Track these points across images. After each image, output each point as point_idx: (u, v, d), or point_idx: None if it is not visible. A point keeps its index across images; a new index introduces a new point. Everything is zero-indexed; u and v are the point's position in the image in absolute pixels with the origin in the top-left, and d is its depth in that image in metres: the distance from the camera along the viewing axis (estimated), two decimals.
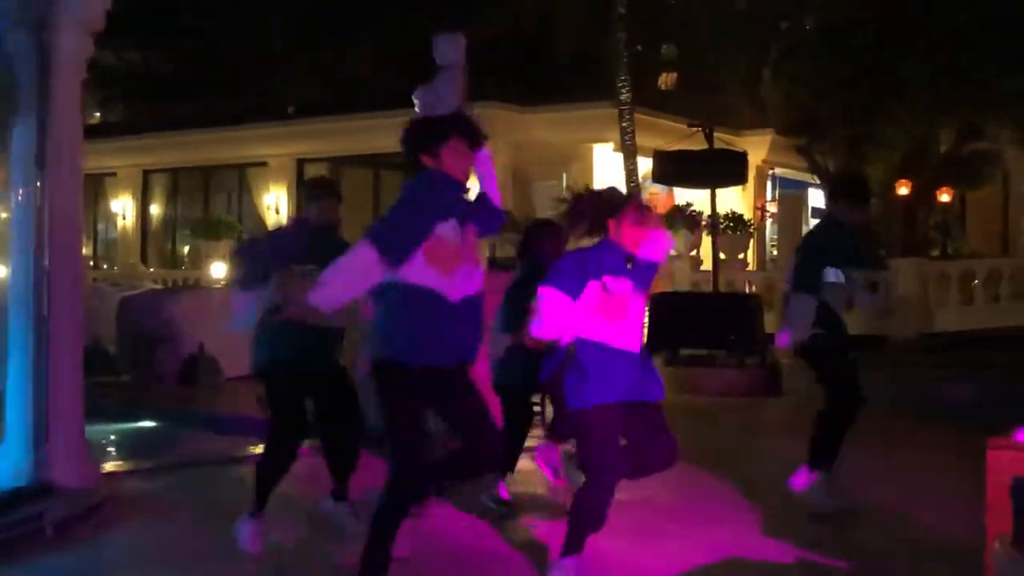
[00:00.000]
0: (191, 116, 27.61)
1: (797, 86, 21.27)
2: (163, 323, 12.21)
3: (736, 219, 21.48)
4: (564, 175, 23.33)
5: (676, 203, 21.88)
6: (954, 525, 5.62)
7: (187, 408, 10.58)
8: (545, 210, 23.84)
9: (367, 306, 4.35)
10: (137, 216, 28.87)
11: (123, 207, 28.90)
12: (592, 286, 4.54)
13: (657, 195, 23.15)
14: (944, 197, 23.97)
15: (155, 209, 29.20)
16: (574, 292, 4.52)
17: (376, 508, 4.10)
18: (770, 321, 13.22)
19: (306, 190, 5.78)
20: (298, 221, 5.56)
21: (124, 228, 29.06)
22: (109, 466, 7.57)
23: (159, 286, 19.61)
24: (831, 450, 5.92)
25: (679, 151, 16.25)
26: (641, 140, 19.60)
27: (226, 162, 27.06)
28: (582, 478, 4.79)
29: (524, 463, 6.40)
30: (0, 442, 5.98)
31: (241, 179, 27.55)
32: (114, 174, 28.52)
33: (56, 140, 5.95)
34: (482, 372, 5.36)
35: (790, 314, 5.94)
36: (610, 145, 22.07)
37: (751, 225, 22.41)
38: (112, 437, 8.90)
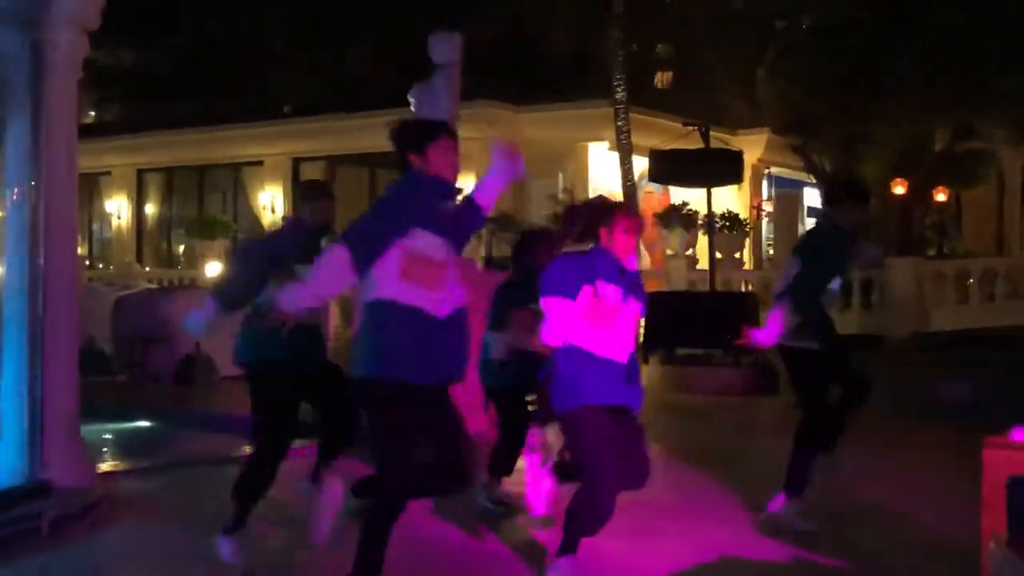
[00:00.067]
0: (186, 115, 27.58)
1: (793, 85, 21.29)
2: (158, 323, 12.19)
3: (732, 218, 21.48)
4: (560, 174, 23.33)
5: (672, 202, 21.89)
6: (950, 524, 5.62)
7: (183, 408, 10.58)
8: (541, 209, 23.93)
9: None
10: (132, 215, 28.83)
11: (118, 206, 28.87)
12: (585, 290, 4.53)
13: (653, 194, 23.19)
14: (940, 196, 24.01)
15: (150, 208, 29.16)
16: (572, 294, 4.52)
17: (367, 514, 4.08)
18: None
19: (300, 192, 5.78)
20: (294, 223, 5.52)
21: (119, 227, 29.02)
22: (105, 466, 7.57)
23: (154, 286, 19.58)
24: (802, 478, 5.87)
25: (675, 150, 16.25)
26: (637, 139, 19.59)
27: (221, 161, 27.04)
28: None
29: (522, 463, 6.39)
30: None
31: (236, 178, 27.52)
32: (109, 173, 28.48)
33: (51, 139, 5.93)
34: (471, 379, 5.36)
35: (785, 318, 5.86)
36: (606, 144, 22.06)
37: (747, 224, 22.41)
38: (108, 437, 8.90)
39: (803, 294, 5.75)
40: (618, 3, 20.06)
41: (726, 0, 23.66)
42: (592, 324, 4.53)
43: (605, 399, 4.56)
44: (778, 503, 5.85)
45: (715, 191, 16.00)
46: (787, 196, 27.44)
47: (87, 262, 27.95)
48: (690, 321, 13.11)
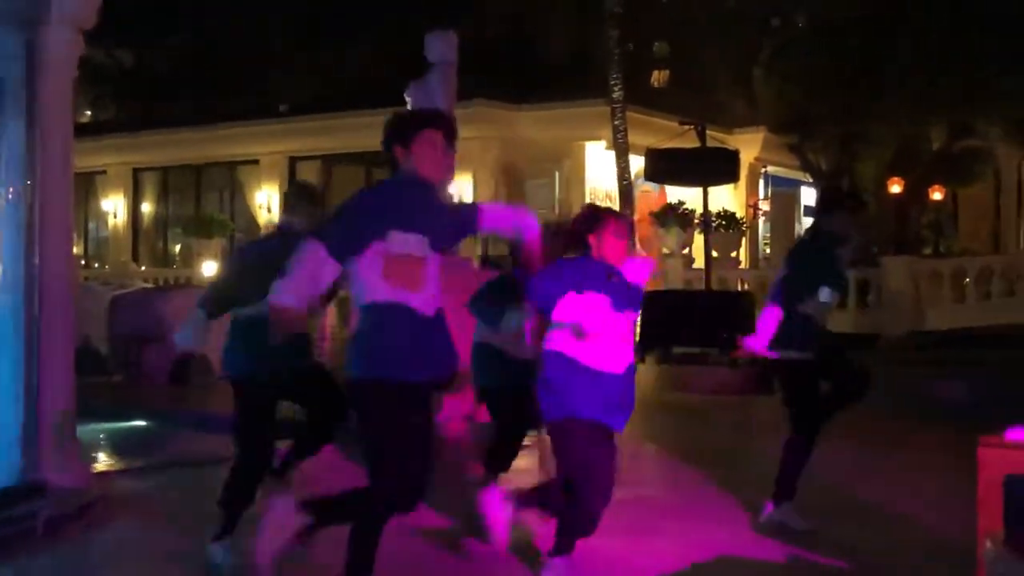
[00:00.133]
0: (182, 114, 27.59)
1: (789, 84, 21.31)
2: (154, 322, 12.17)
3: (728, 217, 21.51)
4: (556, 173, 23.34)
5: (668, 201, 21.91)
6: (947, 523, 5.62)
7: (178, 408, 10.57)
8: (538, 208, 23.91)
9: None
10: (128, 214, 28.81)
11: (114, 205, 28.84)
12: (570, 297, 4.52)
13: (649, 193, 23.20)
14: (936, 195, 24.04)
15: (146, 207, 29.14)
16: (551, 307, 4.51)
17: (360, 515, 4.06)
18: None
19: (288, 197, 5.64)
20: (281, 229, 5.37)
21: (115, 226, 29.00)
22: (100, 465, 7.57)
23: (150, 285, 19.56)
24: (792, 481, 5.88)
25: (671, 149, 16.28)
26: (633, 138, 19.61)
27: (218, 160, 27.03)
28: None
29: (519, 462, 6.39)
30: None
31: (233, 177, 27.52)
32: (105, 172, 28.45)
33: (46, 139, 5.92)
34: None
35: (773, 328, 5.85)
36: (602, 143, 22.08)
37: (743, 223, 22.44)
38: (103, 436, 8.89)
39: (786, 299, 5.77)
40: (614, 2, 20.07)
41: None
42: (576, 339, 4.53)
43: (591, 414, 4.52)
44: (770, 509, 5.86)
45: (711, 190, 16.03)
46: (783, 195, 27.46)
47: (83, 261, 27.93)
48: (686, 320, 13.13)
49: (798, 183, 26.74)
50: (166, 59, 30.50)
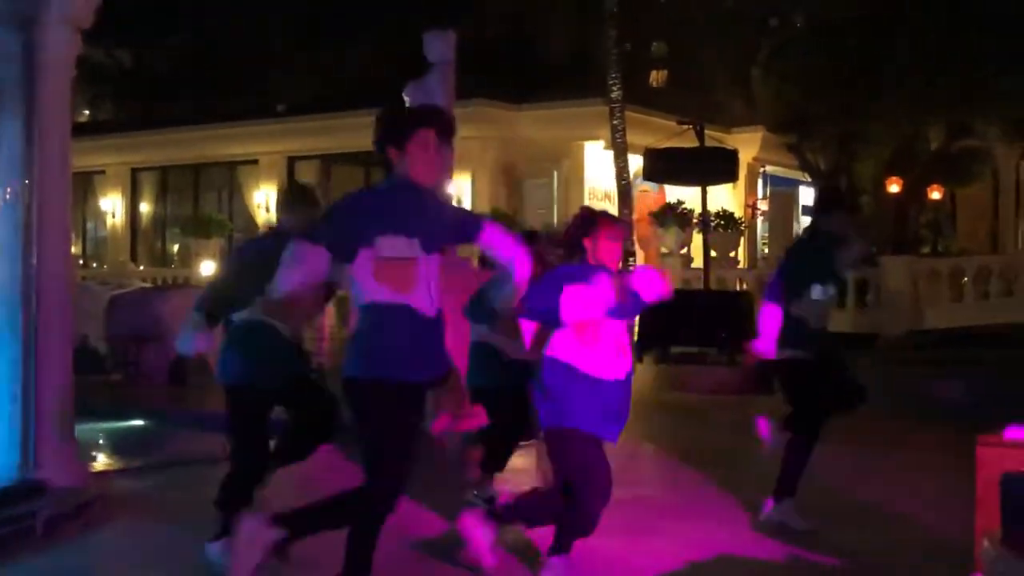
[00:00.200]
0: (181, 114, 27.58)
1: (787, 84, 21.31)
2: (152, 322, 12.17)
3: (727, 217, 21.51)
4: (555, 173, 23.35)
5: (667, 201, 21.91)
6: (946, 523, 5.62)
7: (176, 407, 10.57)
8: (537, 208, 23.90)
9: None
10: (126, 214, 28.79)
11: (112, 205, 28.82)
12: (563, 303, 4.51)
13: (648, 193, 23.20)
14: (935, 195, 24.04)
15: (145, 207, 29.12)
16: (551, 314, 4.52)
17: (358, 515, 4.05)
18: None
19: (282, 198, 5.55)
20: (275, 231, 5.28)
21: (113, 226, 28.98)
22: (98, 465, 7.57)
23: (148, 285, 19.54)
24: (793, 479, 5.88)
25: (670, 148, 16.29)
26: (632, 138, 19.61)
27: (216, 160, 27.01)
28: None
29: (515, 461, 6.40)
30: None
31: (231, 177, 27.50)
32: (103, 172, 28.43)
33: (44, 138, 5.91)
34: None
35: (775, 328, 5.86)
36: (601, 143, 22.08)
37: (742, 223, 22.45)
38: (101, 436, 8.88)
39: (785, 295, 5.79)
40: (613, 2, 20.06)
41: None
42: (578, 340, 4.52)
43: (587, 426, 4.53)
44: (771, 505, 5.86)
45: (710, 189, 16.04)
46: (782, 194, 27.47)
47: (81, 261, 27.90)
48: (685, 320, 13.13)
49: (796, 183, 26.75)
50: (165, 59, 30.49)
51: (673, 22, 24.34)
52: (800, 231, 23.68)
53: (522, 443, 6.32)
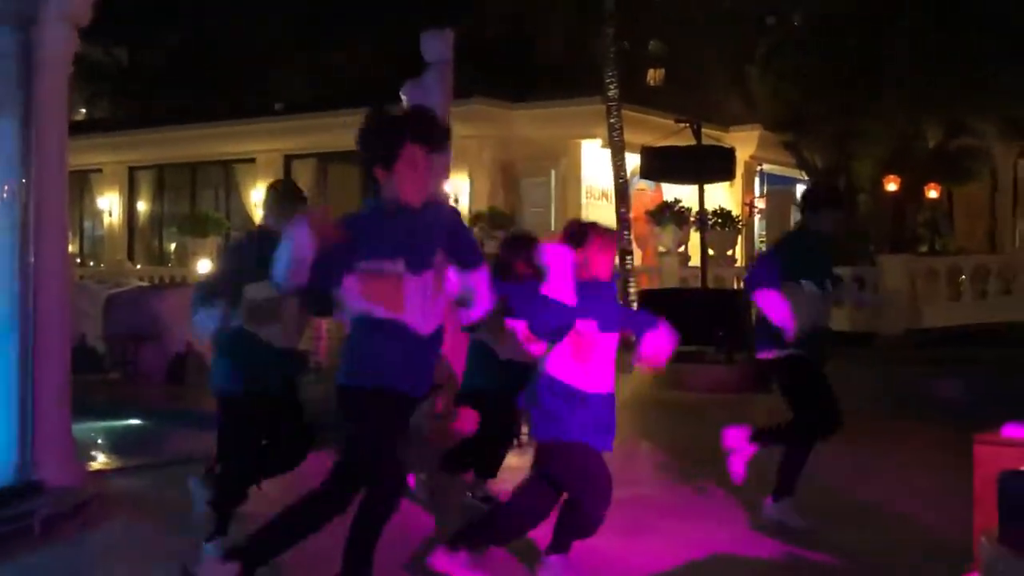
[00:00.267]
0: (178, 112, 27.53)
1: (785, 82, 21.31)
2: (150, 321, 12.17)
3: (724, 215, 21.50)
4: (552, 171, 23.34)
5: (664, 199, 21.90)
6: (944, 521, 5.63)
7: (174, 406, 10.56)
8: (533, 207, 23.85)
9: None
10: (123, 213, 28.76)
11: (109, 204, 28.78)
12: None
13: (645, 191, 23.21)
14: (932, 193, 24.05)
15: (142, 206, 29.08)
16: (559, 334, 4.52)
17: (361, 517, 4.05)
18: (756, 311, 13.27)
19: (266, 197, 5.42)
20: (259, 231, 5.21)
21: (110, 225, 28.95)
22: (96, 464, 7.56)
23: (146, 283, 19.54)
24: (792, 478, 5.88)
25: (667, 147, 16.26)
26: (629, 136, 19.59)
27: (213, 158, 26.98)
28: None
29: (512, 460, 6.40)
30: None
31: (228, 175, 27.47)
32: (100, 170, 28.40)
33: (41, 136, 5.91)
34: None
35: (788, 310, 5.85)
36: (598, 141, 22.06)
37: (739, 221, 22.44)
38: (99, 435, 8.87)
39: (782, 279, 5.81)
40: (610, 1, 20.05)
41: None
42: (573, 358, 4.53)
43: (586, 438, 4.56)
44: (770, 505, 5.87)
45: (707, 188, 16.01)
46: (779, 193, 27.46)
47: (78, 260, 27.88)
48: (682, 318, 13.06)
49: (794, 181, 26.73)
50: (162, 57, 30.45)
51: (670, 21, 24.33)
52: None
53: (518, 443, 6.33)
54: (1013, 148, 23.80)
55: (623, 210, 19.25)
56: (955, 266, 19.57)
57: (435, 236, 4.11)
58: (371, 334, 3.99)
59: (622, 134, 19.63)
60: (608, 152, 20.33)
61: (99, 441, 8.69)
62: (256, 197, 26.11)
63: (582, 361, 4.52)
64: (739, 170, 19.41)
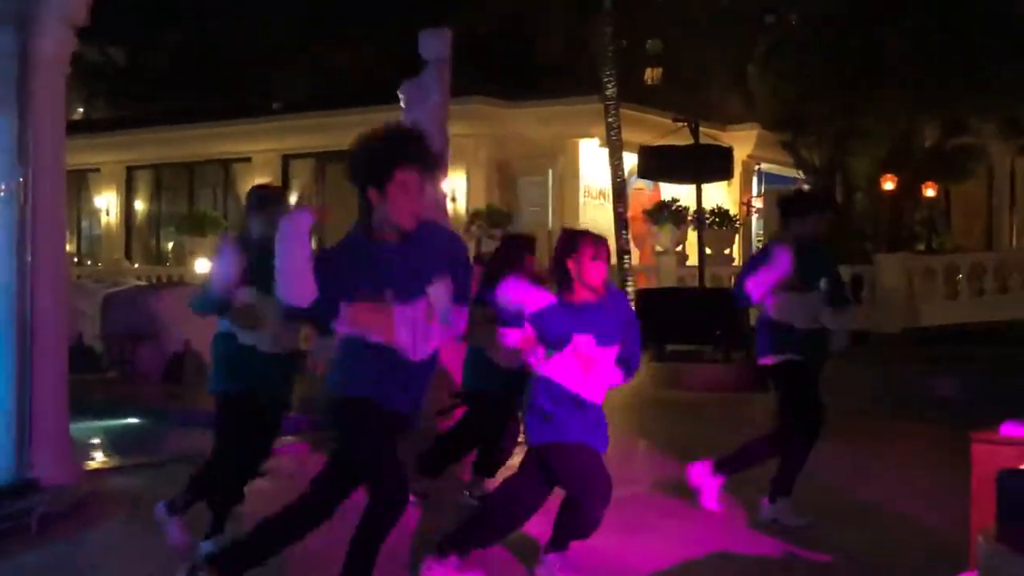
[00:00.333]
0: (175, 112, 27.52)
1: (783, 81, 21.31)
2: (147, 320, 12.17)
3: (722, 214, 21.51)
4: (550, 170, 23.34)
5: (662, 198, 21.91)
6: (942, 520, 5.63)
7: (171, 405, 10.55)
8: (531, 205, 23.84)
9: None
10: (121, 212, 28.75)
11: (107, 203, 28.78)
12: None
13: (643, 190, 23.21)
14: (929, 192, 24.06)
15: (139, 205, 29.08)
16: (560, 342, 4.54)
17: (364, 524, 4.05)
18: (756, 316, 13.28)
19: (247, 201, 5.25)
20: (240, 238, 5.12)
21: (108, 224, 28.93)
22: (93, 463, 7.55)
23: (143, 283, 19.53)
24: (790, 478, 5.90)
25: (664, 146, 16.28)
26: (627, 135, 19.60)
27: (211, 158, 26.97)
28: None
29: (512, 460, 6.39)
30: None
31: (226, 175, 27.46)
32: (98, 170, 28.39)
33: (39, 137, 5.90)
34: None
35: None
36: (595, 140, 22.07)
37: (737, 220, 22.45)
38: (96, 434, 8.86)
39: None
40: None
41: None
42: (575, 366, 4.55)
43: (585, 440, 4.58)
44: (768, 504, 5.88)
45: (705, 187, 16.02)
46: (777, 192, 27.47)
47: (76, 259, 27.87)
48: (680, 317, 13.14)
49: (792, 180, 26.74)
50: (159, 57, 30.44)
51: (668, 19, 24.34)
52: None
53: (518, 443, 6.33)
54: (1010, 146, 23.82)
55: (621, 209, 19.26)
56: (952, 264, 19.59)
57: (433, 261, 4.05)
58: (362, 351, 4.00)
59: (620, 133, 19.64)
60: (606, 151, 20.35)
61: (96, 440, 8.69)
62: None
63: (582, 372, 4.54)
64: (737, 169, 19.43)
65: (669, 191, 21.91)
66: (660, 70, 27.48)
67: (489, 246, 17.70)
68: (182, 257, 25.53)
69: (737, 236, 22.96)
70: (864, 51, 20.30)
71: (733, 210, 23.05)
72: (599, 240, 4.67)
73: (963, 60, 19.59)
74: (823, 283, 5.92)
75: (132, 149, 27.66)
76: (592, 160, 22.83)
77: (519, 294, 4.53)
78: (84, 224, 29.88)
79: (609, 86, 19.75)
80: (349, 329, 3.99)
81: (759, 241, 26.84)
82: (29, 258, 5.85)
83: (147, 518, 5.54)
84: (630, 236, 19.52)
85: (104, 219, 28.96)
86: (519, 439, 6.37)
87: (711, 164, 15.78)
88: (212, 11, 27.58)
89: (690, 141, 15.71)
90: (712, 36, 23.21)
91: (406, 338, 3.97)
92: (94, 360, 12.43)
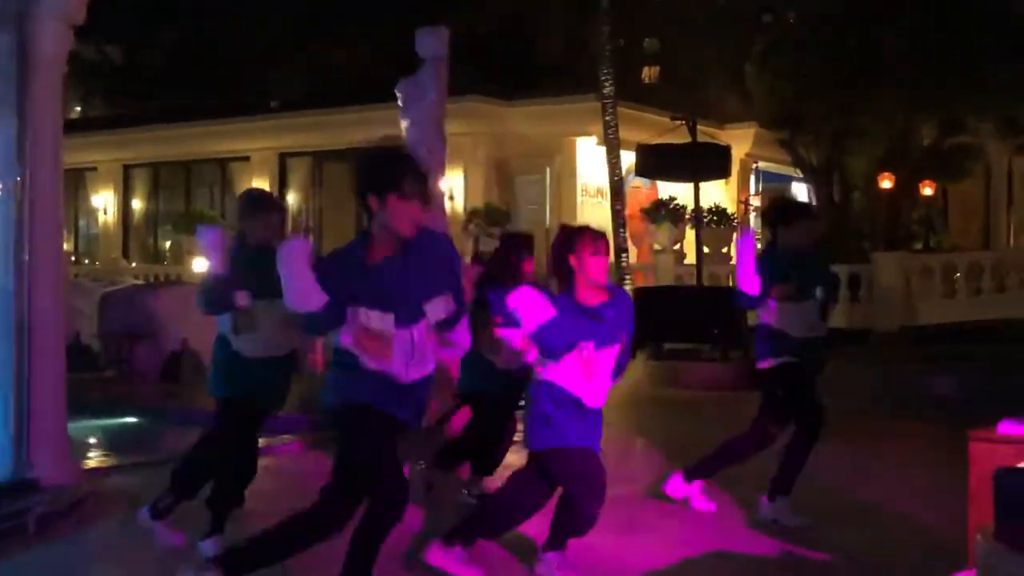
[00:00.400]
0: (172, 110, 27.51)
1: (781, 80, 21.31)
2: (145, 319, 12.17)
3: (720, 213, 21.52)
4: (547, 169, 23.33)
5: (659, 197, 21.92)
6: (940, 518, 5.63)
7: (169, 404, 10.56)
8: (527, 205, 23.82)
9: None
10: (118, 211, 28.73)
11: (104, 202, 28.76)
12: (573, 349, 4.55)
13: (640, 189, 23.22)
14: (927, 191, 24.08)
15: (136, 204, 29.06)
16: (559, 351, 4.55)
17: (364, 525, 4.06)
18: (754, 315, 13.28)
19: (241, 204, 5.25)
20: (235, 242, 5.05)
21: (105, 223, 28.91)
22: (91, 462, 7.55)
23: (140, 282, 19.53)
24: (789, 479, 5.91)
25: (662, 144, 16.28)
26: (624, 134, 19.61)
27: (208, 156, 26.96)
28: None
29: (511, 458, 6.40)
30: None
31: (223, 173, 27.45)
32: (95, 169, 28.37)
33: (36, 135, 5.90)
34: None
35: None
36: (593, 139, 22.08)
37: (735, 219, 22.45)
38: (94, 433, 8.86)
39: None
40: None
41: None
42: (578, 370, 4.56)
43: (583, 443, 4.60)
44: (767, 503, 5.88)
45: (703, 186, 16.02)
46: (775, 190, 27.48)
47: (73, 258, 27.84)
48: (678, 316, 13.14)
49: (789, 179, 26.76)
50: (156, 55, 30.42)
51: (666, 18, 24.34)
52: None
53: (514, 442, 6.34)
54: (1007, 145, 23.84)
55: (618, 208, 19.26)
56: (950, 263, 19.59)
57: (433, 271, 4.08)
58: (352, 367, 4.02)
59: (617, 131, 19.65)
60: (603, 149, 20.36)
61: (94, 439, 8.69)
62: None
63: (587, 375, 4.54)
64: (734, 168, 19.43)
65: (667, 189, 21.91)
66: (658, 69, 27.47)
67: (487, 245, 17.70)
68: (179, 256, 25.51)
69: (735, 234, 22.96)
70: (861, 50, 20.30)
71: (731, 208, 23.06)
72: (598, 235, 4.67)
73: (960, 59, 19.60)
74: (819, 292, 5.94)
75: (129, 148, 27.64)
76: (590, 158, 22.83)
77: (528, 306, 4.50)
78: (81, 223, 29.86)
79: (607, 84, 19.76)
80: (349, 345, 4.01)
81: (757, 239, 26.86)
82: (27, 257, 5.84)
83: None
84: (628, 234, 19.53)
85: (101, 218, 28.94)
86: (515, 438, 6.39)
87: (709, 162, 15.78)
88: (209, 9, 27.57)
89: (688, 139, 15.73)
90: (709, 35, 23.20)
91: (399, 365, 4.00)
92: (91, 359, 12.43)
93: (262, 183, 25.65)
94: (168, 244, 27.97)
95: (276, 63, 27.63)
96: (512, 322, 4.64)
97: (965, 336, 16.82)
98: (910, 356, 15.30)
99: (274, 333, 4.97)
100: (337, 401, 4.09)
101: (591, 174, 22.85)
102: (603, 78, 19.78)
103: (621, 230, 18.64)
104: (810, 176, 23.17)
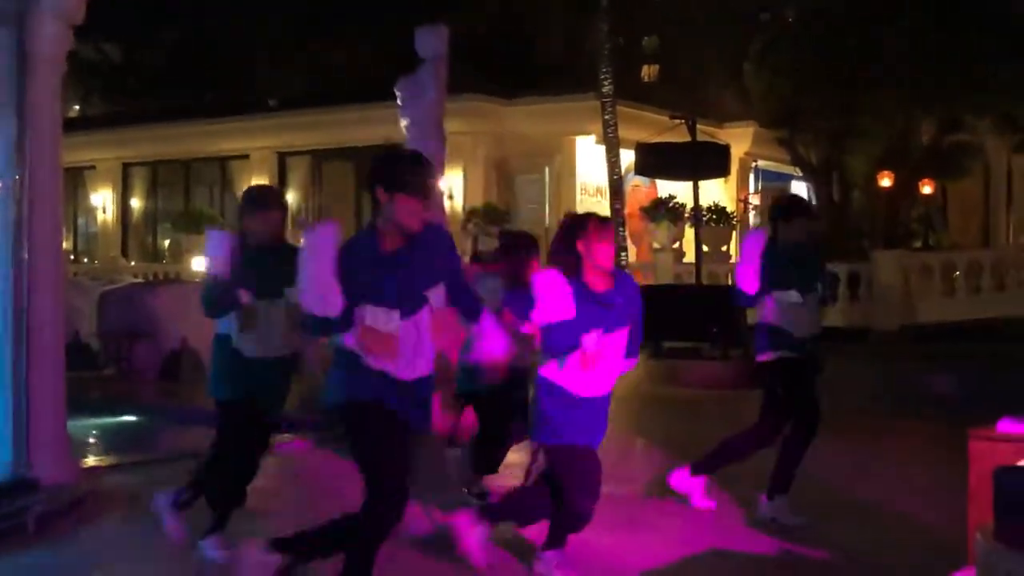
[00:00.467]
0: (171, 109, 27.51)
1: (779, 78, 21.32)
2: (144, 317, 12.15)
3: (719, 211, 21.52)
4: (547, 168, 23.33)
5: (659, 196, 21.92)
6: (939, 517, 5.63)
7: (168, 403, 10.56)
8: (527, 204, 23.81)
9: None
10: (117, 209, 28.73)
11: (103, 200, 28.76)
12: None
13: (640, 188, 23.22)
14: (926, 189, 24.10)
15: (135, 202, 29.07)
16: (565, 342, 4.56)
17: (365, 528, 4.05)
18: (754, 313, 13.28)
19: (241, 201, 5.20)
20: (238, 239, 5.01)
21: (104, 222, 28.91)
22: (90, 461, 7.54)
23: (140, 280, 19.51)
24: (787, 476, 5.92)
25: (661, 143, 16.28)
26: (624, 133, 19.61)
27: (207, 155, 26.96)
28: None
29: (511, 457, 6.40)
30: None
31: (222, 172, 27.45)
32: (94, 167, 28.37)
33: (35, 133, 5.89)
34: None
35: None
36: (592, 138, 22.09)
37: (734, 217, 22.46)
38: (94, 432, 8.86)
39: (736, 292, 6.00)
40: None
41: None
42: (577, 368, 4.56)
43: (582, 440, 4.63)
44: (765, 502, 5.88)
45: (702, 184, 16.02)
46: (774, 189, 27.49)
47: (72, 256, 27.84)
48: (677, 314, 13.12)
49: (789, 177, 26.78)
50: (155, 54, 30.41)
51: (665, 17, 24.34)
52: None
53: (515, 444, 6.33)
54: (1006, 143, 23.85)
55: (618, 206, 19.27)
56: (949, 261, 19.59)
57: (434, 263, 4.12)
58: (353, 365, 4.02)
59: (616, 130, 19.67)
60: (603, 148, 20.37)
61: (94, 438, 8.69)
62: None
63: (587, 370, 4.55)
64: (734, 166, 19.43)
65: (666, 188, 21.91)
66: (657, 67, 27.48)
67: (486, 244, 17.70)
68: (178, 254, 25.51)
69: (734, 233, 22.97)
70: (861, 49, 20.30)
71: (730, 207, 23.06)
72: (605, 221, 4.76)
73: (960, 58, 19.60)
74: (819, 289, 5.95)
75: (128, 146, 27.63)
76: (589, 157, 22.83)
77: (552, 293, 4.49)
78: (80, 221, 29.86)
79: (606, 83, 19.77)
80: (354, 345, 4.01)
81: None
82: (26, 255, 5.84)
83: (145, 516, 5.55)
84: (627, 233, 19.54)
85: (100, 216, 28.93)
86: (516, 437, 6.38)
87: (708, 161, 15.78)
88: (209, 8, 27.55)
89: (687, 138, 15.72)
90: (708, 34, 23.20)
91: (402, 358, 4.02)
92: (91, 358, 12.41)
93: (261, 182, 25.66)
94: (167, 243, 27.97)
95: (276, 62, 27.64)
96: (524, 317, 4.67)
97: (964, 334, 16.82)
98: (909, 354, 15.31)
99: (274, 333, 4.96)
100: (340, 400, 4.09)
101: (590, 173, 22.86)
102: (602, 77, 19.79)
103: (620, 229, 18.64)
104: (809, 175, 23.18)
